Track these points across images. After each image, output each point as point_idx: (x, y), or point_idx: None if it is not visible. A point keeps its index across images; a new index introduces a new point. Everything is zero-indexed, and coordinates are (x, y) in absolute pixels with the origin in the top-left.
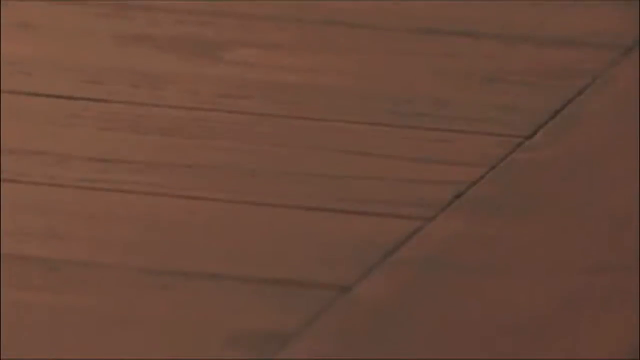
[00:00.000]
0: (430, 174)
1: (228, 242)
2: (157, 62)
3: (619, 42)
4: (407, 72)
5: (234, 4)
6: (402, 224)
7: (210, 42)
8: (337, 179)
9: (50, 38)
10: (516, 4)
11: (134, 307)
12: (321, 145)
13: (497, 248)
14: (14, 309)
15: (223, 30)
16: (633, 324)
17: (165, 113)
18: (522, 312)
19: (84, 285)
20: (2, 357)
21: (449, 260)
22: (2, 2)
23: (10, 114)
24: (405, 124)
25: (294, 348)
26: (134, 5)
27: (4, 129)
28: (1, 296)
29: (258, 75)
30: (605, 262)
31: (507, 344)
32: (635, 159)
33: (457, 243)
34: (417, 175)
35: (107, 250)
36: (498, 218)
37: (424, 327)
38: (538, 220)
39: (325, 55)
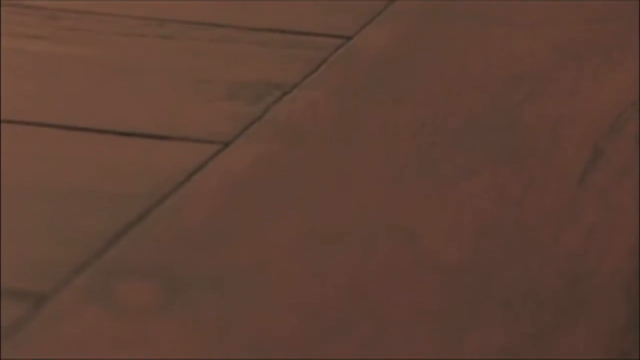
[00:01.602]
0: None
1: None
2: None
3: None
4: None
5: None
6: None
7: None
8: None
9: None
10: None
11: (134, 56)
12: None
13: None
14: (14, 57)
15: None
16: (633, 76)
17: None
18: (524, 62)
19: (84, 34)
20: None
21: (450, 9)
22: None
23: None
24: None
25: (294, 98)
26: None
27: None
28: (1, 44)
29: None
30: (606, 12)
31: (509, 92)
32: None
33: None
34: None
35: None
36: None
37: (424, 76)
38: None
39: None
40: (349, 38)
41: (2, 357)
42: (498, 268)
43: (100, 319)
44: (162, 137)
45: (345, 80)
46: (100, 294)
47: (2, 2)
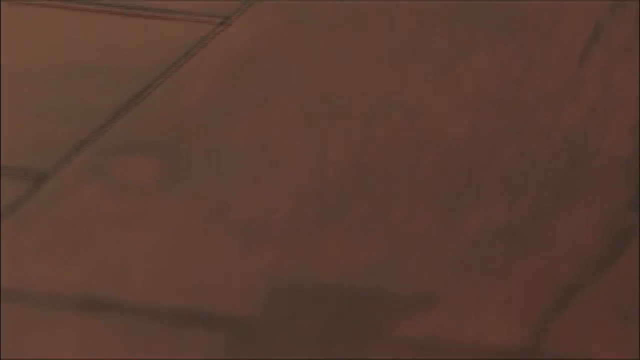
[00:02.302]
0: None
1: None
2: None
3: None
4: None
5: None
6: None
7: None
8: None
9: None
10: None
11: None
12: None
13: None
14: None
15: None
16: None
17: None
18: None
19: None
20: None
21: None
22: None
23: None
24: None
25: None
26: None
27: None
28: None
29: None
30: None
31: None
32: None
33: None
34: None
35: None
36: None
37: None
38: None
39: None
40: None
41: (1, 236)
42: (498, 147)
43: (100, 196)
44: (160, 11)
45: None
46: (100, 171)
47: None
